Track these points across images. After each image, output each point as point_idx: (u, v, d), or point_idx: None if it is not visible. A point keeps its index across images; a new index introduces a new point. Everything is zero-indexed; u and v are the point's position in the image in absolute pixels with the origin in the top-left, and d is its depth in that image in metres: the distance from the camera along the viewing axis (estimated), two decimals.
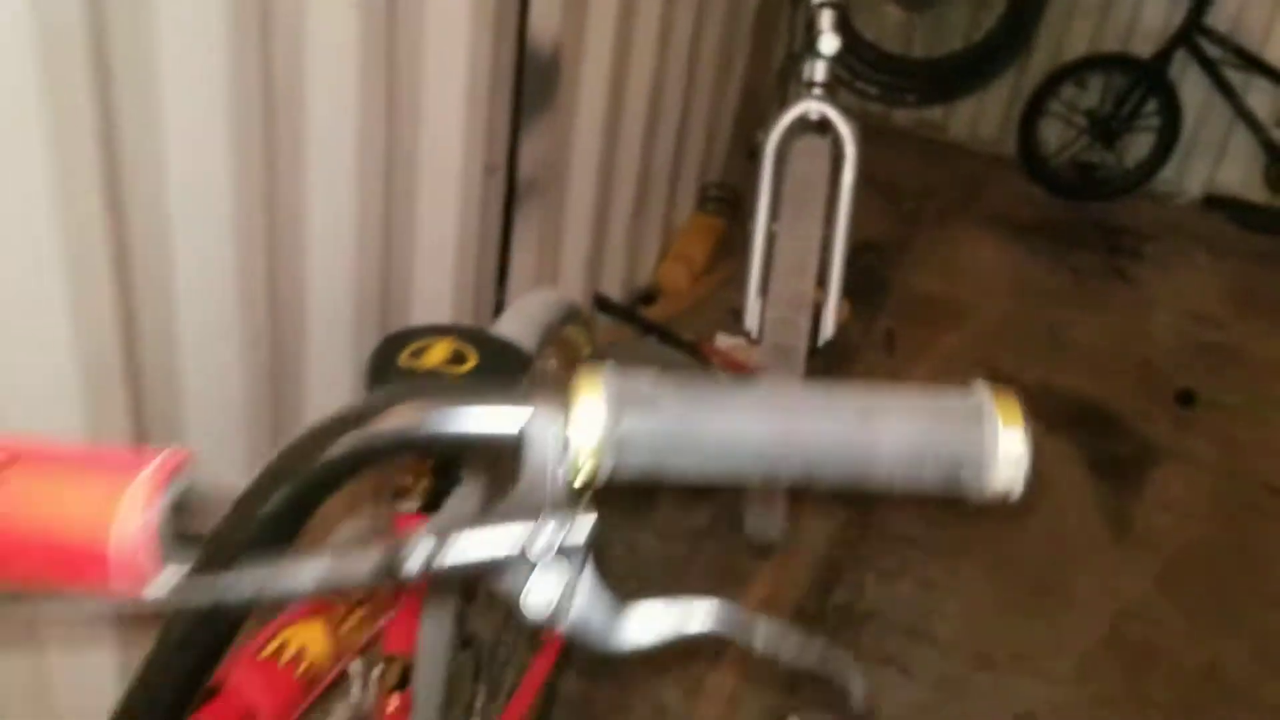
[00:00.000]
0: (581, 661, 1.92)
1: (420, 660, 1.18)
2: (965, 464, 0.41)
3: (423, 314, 1.89)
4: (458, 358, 1.16)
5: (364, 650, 1.10)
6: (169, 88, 1.24)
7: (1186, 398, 3.09)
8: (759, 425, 0.40)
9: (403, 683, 1.17)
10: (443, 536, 0.39)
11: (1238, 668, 2.22)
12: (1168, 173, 4.34)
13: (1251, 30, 4.17)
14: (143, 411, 1.29)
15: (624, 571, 2.22)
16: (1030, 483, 0.49)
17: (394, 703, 1.16)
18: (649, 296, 3.15)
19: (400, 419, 0.39)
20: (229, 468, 1.47)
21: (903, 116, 4.78)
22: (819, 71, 2.19)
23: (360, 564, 0.38)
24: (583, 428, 0.38)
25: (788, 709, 1.99)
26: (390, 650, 1.15)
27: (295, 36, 1.44)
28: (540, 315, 1.33)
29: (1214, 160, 4.41)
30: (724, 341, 2.97)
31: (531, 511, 0.38)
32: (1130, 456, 2.84)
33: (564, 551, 0.38)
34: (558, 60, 2.22)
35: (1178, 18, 4.10)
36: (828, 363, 2.95)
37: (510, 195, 2.22)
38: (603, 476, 0.39)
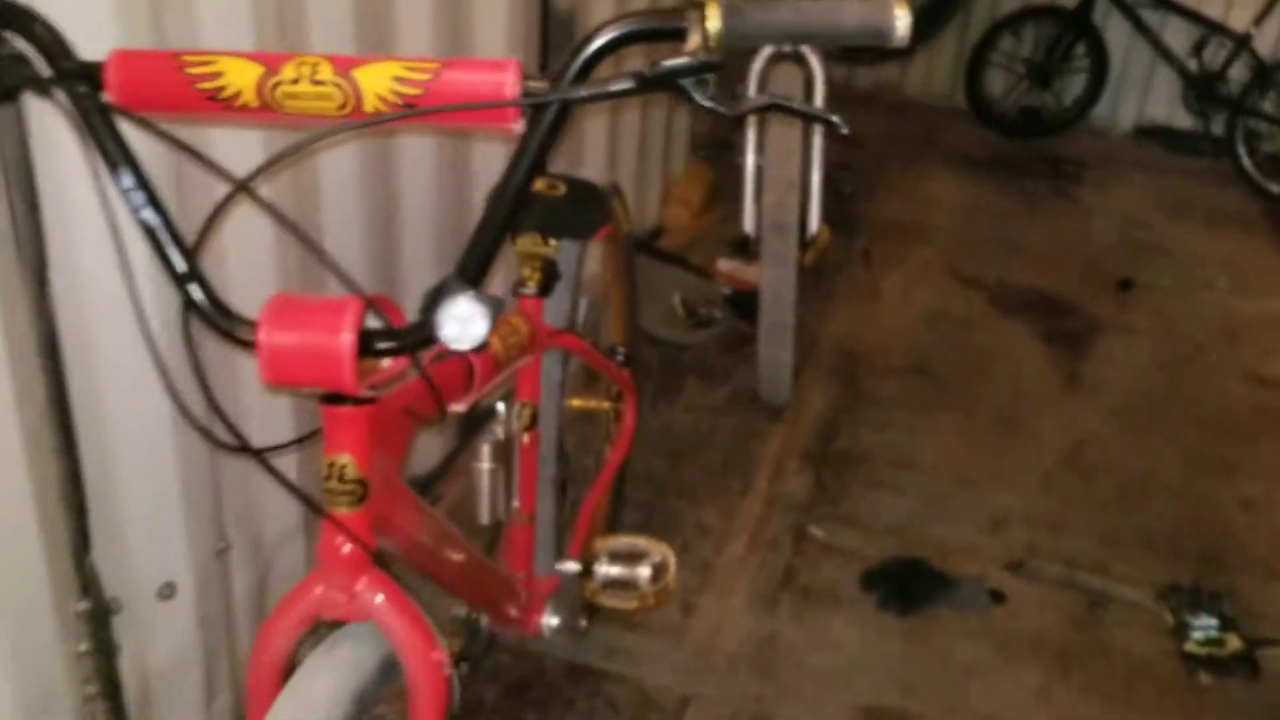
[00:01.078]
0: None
1: (542, 407, 1.65)
2: (883, 26, 0.86)
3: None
4: (553, 187, 1.64)
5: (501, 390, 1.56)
6: None
7: (1126, 284, 3.59)
8: (791, 16, 0.86)
9: (532, 424, 1.63)
10: (660, 60, 0.84)
11: (1172, 472, 2.70)
12: (1101, 109, 4.88)
13: None
14: None
15: (661, 440, 2.68)
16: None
17: (527, 438, 1.63)
18: (656, 234, 3.62)
19: (631, 24, 0.85)
20: None
21: (863, 80, 5.30)
22: None
23: (622, 81, 0.84)
24: (711, 21, 0.84)
25: (806, 523, 2.46)
26: (521, 398, 1.61)
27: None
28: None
29: (1141, 94, 4.95)
30: (725, 264, 3.44)
31: (695, 56, 0.83)
32: (1079, 330, 3.34)
33: (710, 66, 0.83)
34: (573, 19, 2.70)
35: None
36: (816, 277, 3.44)
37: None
38: (724, 43, 0.85)
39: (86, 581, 1.41)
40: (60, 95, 0.87)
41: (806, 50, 2.68)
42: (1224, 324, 3.43)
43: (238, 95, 0.85)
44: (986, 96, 4.87)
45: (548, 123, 0.86)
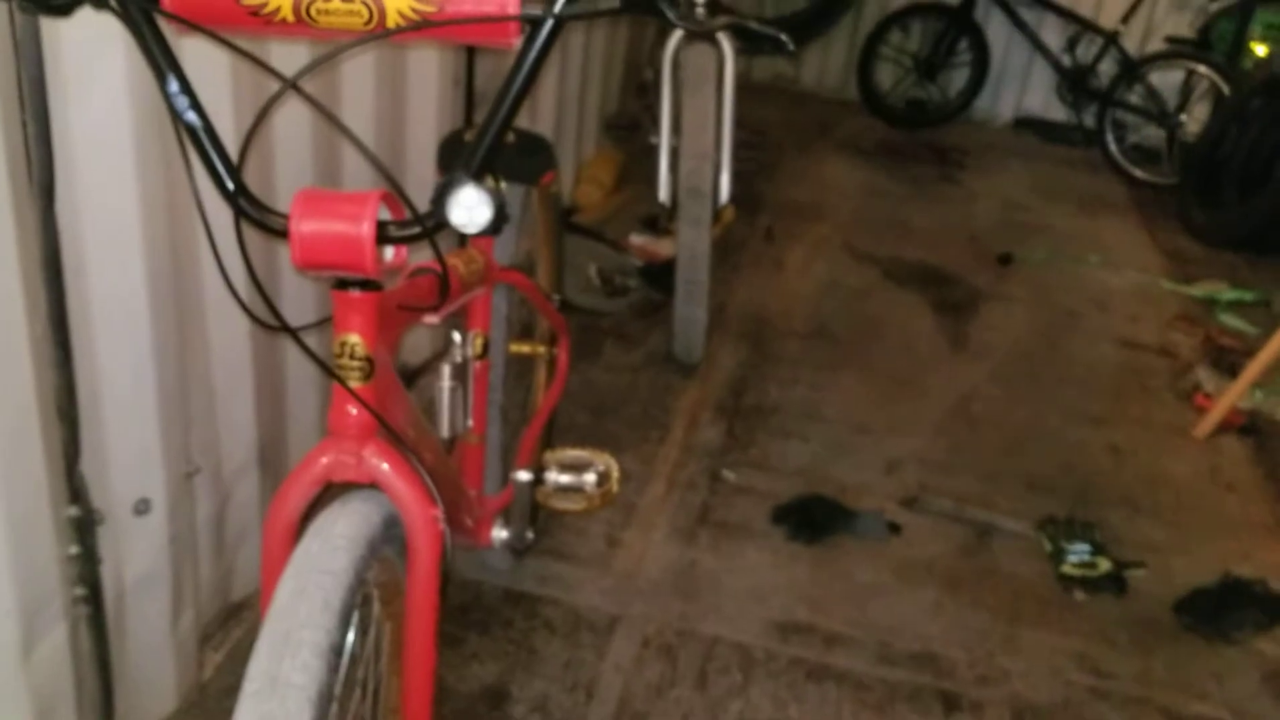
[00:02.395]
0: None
1: (492, 338, 1.80)
2: None
3: (420, 163, 2.47)
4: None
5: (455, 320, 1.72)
6: None
7: (1005, 259, 3.88)
8: None
9: (483, 353, 1.78)
10: None
11: (1048, 421, 2.97)
12: (983, 100, 5.21)
13: None
14: None
15: (584, 396, 2.85)
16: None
17: (480, 365, 1.78)
18: (569, 212, 3.79)
19: None
20: None
21: (760, 73, 5.55)
22: None
23: (610, 1, 1.00)
24: None
25: (720, 467, 2.64)
26: (474, 328, 1.77)
27: None
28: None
29: (1020, 87, 5.31)
30: (637, 239, 3.63)
31: None
32: (963, 299, 3.60)
33: None
34: None
35: None
36: (722, 251, 3.64)
37: (469, 106, 2.84)
38: None
39: (77, 489, 1.52)
40: (115, 6, 1.00)
41: (720, 34, 2.88)
42: (1095, 294, 3.73)
43: (277, 11, 1.00)
44: (877, 89, 5.15)
45: (542, 38, 1.02)
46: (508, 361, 2.06)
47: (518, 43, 1.03)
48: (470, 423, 1.76)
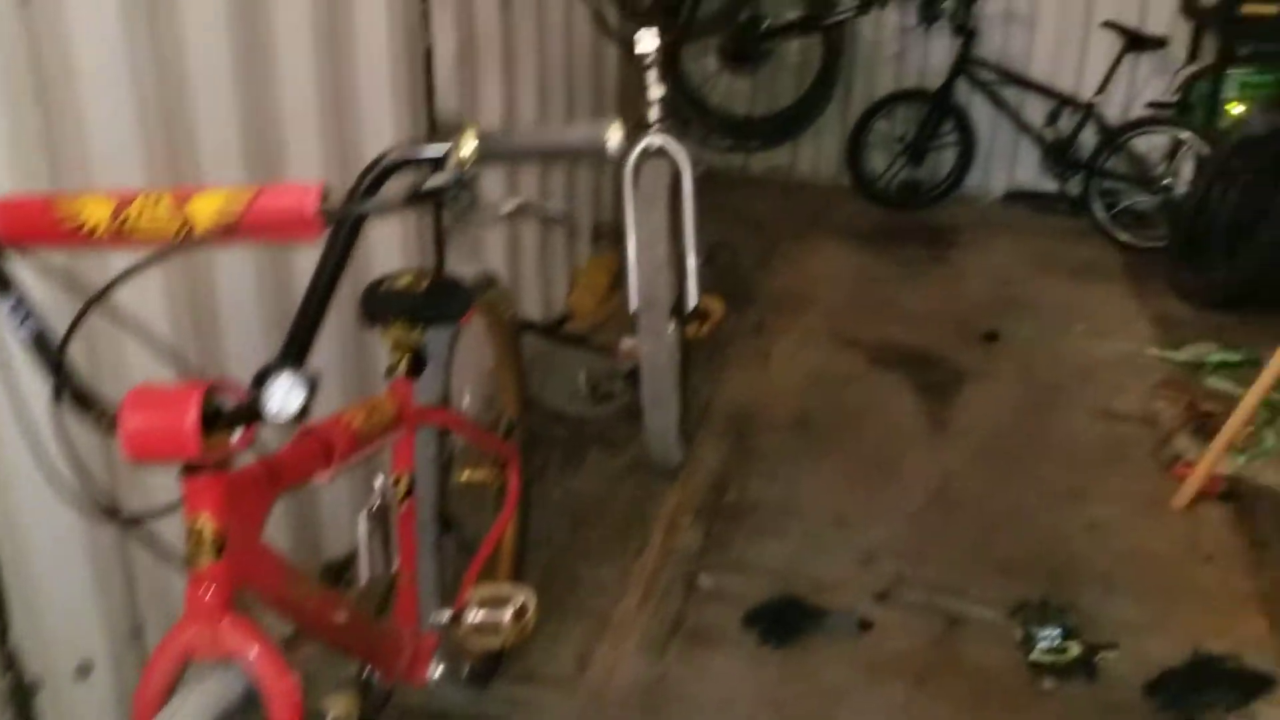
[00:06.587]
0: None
1: (418, 478, 1.86)
2: (599, 143, 1.11)
3: None
4: (416, 282, 1.87)
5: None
6: None
7: (991, 336, 3.90)
8: (528, 139, 1.11)
9: (409, 492, 1.84)
10: (424, 180, 1.08)
11: (1026, 501, 2.95)
12: (974, 178, 5.24)
13: (1016, 55, 5.15)
14: None
15: (563, 508, 2.90)
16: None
17: (405, 506, 1.84)
18: (563, 320, 3.88)
19: (401, 153, 1.10)
20: None
21: (758, 165, 5.65)
22: (653, 112, 2.94)
23: (396, 198, 1.09)
24: (465, 148, 1.09)
25: (697, 572, 2.67)
26: (397, 469, 1.83)
27: None
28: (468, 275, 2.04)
29: (1010, 162, 5.32)
30: (628, 343, 3.68)
31: (450, 176, 1.08)
32: (947, 380, 3.62)
33: (462, 184, 1.08)
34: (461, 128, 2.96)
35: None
36: (711, 347, 3.71)
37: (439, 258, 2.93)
38: (477, 164, 1.09)
39: (8, 660, 1.60)
40: None
41: (670, 143, 2.95)
42: (1080, 366, 3.72)
43: (94, 229, 1.09)
44: (869, 174, 5.22)
45: (345, 232, 1.10)
46: (461, 491, 2.12)
47: (324, 237, 1.11)
48: (397, 564, 1.81)
